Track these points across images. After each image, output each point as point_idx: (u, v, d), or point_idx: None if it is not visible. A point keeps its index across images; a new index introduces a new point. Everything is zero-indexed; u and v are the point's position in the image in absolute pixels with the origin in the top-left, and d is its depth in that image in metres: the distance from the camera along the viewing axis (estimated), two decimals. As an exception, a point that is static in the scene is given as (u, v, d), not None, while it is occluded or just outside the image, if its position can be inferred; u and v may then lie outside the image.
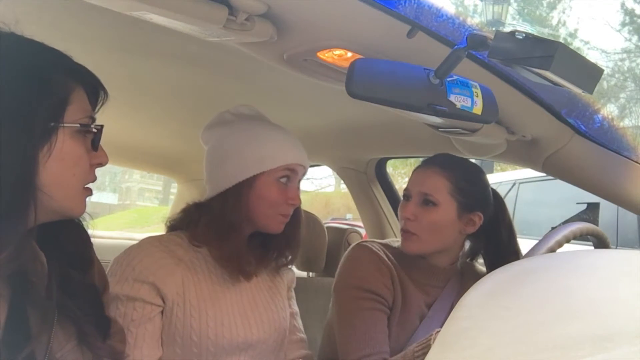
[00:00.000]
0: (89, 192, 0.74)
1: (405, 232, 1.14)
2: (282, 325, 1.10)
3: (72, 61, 0.72)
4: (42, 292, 0.67)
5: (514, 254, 1.20)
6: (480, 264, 1.28)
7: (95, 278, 0.80)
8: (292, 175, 1.06)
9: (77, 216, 0.74)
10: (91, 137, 0.73)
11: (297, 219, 1.12)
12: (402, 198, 1.19)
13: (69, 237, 0.75)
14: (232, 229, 1.02)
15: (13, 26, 0.68)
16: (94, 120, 0.73)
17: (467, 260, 1.25)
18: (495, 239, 1.21)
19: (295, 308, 1.20)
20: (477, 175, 1.17)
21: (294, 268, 1.24)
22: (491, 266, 1.22)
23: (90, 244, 0.79)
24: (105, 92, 0.76)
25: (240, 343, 1.01)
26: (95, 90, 0.75)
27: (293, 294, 1.21)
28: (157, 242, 1.02)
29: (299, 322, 1.19)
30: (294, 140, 1.08)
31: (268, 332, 1.06)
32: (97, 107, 0.76)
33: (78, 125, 0.70)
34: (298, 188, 1.09)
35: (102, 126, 0.74)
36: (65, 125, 0.68)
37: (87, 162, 0.72)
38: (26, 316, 0.66)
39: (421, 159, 1.23)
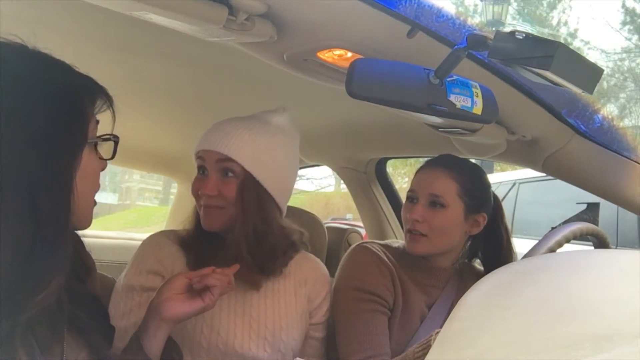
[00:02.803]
0: (95, 202, 0.73)
1: (412, 234, 1.13)
2: (288, 346, 1.03)
3: (88, 78, 0.70)
4: (54, 304, 0.64)
5: (510, 254, 1.20)
6: (477, 264, 1.28)
7: (96, 287, 0.79)
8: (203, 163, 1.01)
9: (85, 228, 0.73)
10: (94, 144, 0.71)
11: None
12: (406, 199, 1.18)
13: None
14: None
15: (33, 41, 0.65)
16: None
17: (466, 260, 1.25)
18: (494, 239, 1.21)
19: (320, 333, 1.10)
20: (481, 176, 1.18)
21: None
22: (489, 266, 1.22)
23: (88, 253, 0.77)
24: (110, 99, 0.72)
25: (232, 356, 0.97)
26: (95, 97, 0.72)
27: (323, 316, 1.10)
28: (173, 235, 1.05)
29: (322, 349, 1.11)
30: (223, 127, 1.00)
31: (269, 352, 1.00)
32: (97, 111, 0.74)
33: (98, 139, 0.69)
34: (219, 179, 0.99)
35: (117, 137, 0.72)
36: (88, 141, 0.67)
37: (99, 172, 0.71)
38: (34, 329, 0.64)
39: (421, 159, 1.23)
